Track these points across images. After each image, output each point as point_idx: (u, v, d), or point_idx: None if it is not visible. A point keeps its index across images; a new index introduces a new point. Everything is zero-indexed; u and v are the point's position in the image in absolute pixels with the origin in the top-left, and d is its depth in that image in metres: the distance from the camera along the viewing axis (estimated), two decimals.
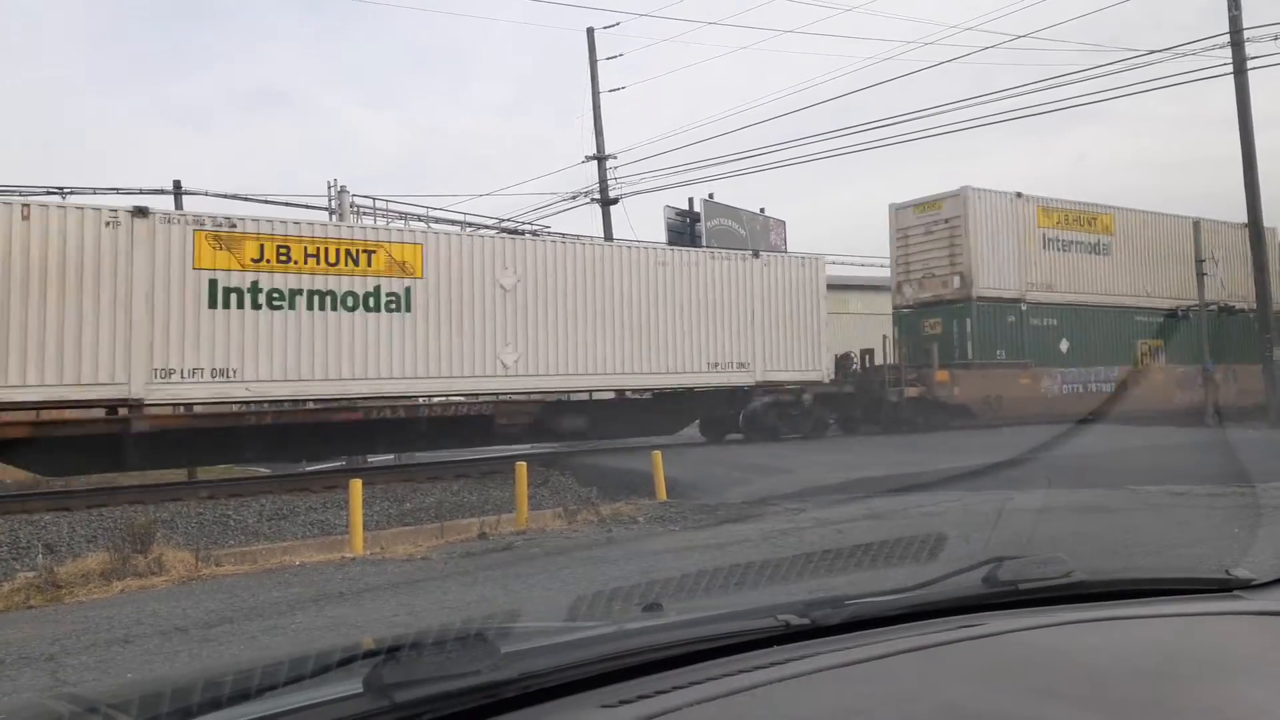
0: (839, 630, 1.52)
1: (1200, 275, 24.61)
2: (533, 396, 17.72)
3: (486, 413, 17.35)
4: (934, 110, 42.14)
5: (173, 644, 5.54)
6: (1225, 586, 1.85)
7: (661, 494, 12.26)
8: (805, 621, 1.50)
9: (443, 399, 17.11)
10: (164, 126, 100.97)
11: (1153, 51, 19.93)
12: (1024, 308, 23.18)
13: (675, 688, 1.26)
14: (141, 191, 21.54)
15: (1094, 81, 42.38)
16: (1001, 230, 23.15)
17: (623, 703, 1.22)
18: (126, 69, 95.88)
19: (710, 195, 26.71)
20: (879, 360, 22.04)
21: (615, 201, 27.14)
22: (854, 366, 22.23)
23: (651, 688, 1.26)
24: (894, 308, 24.43)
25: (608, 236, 26.00)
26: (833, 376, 20.97)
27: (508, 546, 8.71)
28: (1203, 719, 1.29)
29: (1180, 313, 24.91)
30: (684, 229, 25.37)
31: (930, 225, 23.49)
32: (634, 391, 19.35)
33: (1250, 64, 21.06)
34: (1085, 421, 18.89)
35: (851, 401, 21.47)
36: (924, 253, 23.58)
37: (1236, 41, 20.98)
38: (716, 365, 19.06)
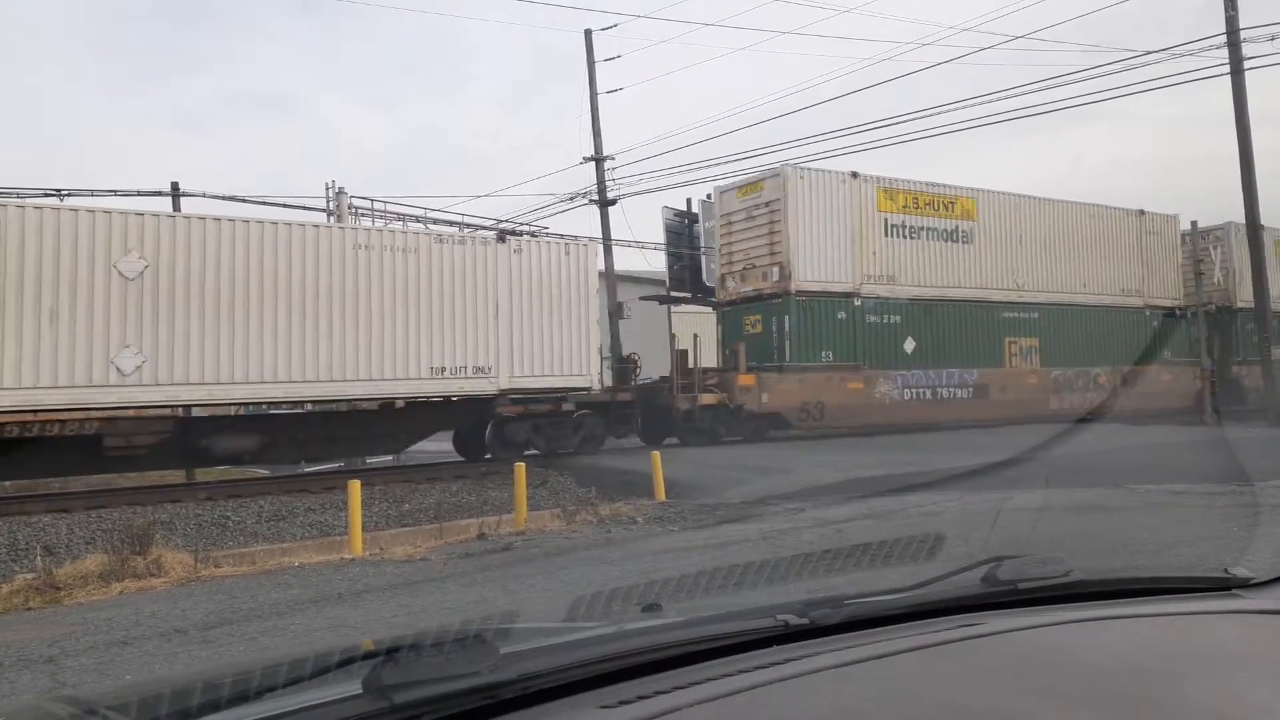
0: (838, 630, 1.52)
1: (1198, 274, 24.56)
2: (167, 411, 14.38)
3: (90, 432, 13.58)
4: (933, 110, 42.10)
5: (172, 645, 5.53)
6: (1224, 585, 1.85)
7: (660, 494, 12.26)
8: (804, 621, 1.50)
9: (21, 416, 13.15)
10: (163, 129, 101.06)
11: (1150, 52, 19.96)
12: (858, 303, 20.48)
13: (675, 688, 1.26)
14: (140, 193, 21.52)
15: (1092, 82, 42.29)
16: (832, 215, 20.46)
17: (622, 703, 1.22)
18: (126, 72, 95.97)
19: (709, 196, 26.73)
20: (692, 363, 19.47)
21: (614, 202, 27.11)
22: (637, 371, 19.97)
23: (651, 688, 1.26)
24: (716, 304, 21.95)
25: (606, 237, 25.98)
26: (608, 383, 18.57)
27: (507, 547, 8.71)
28: (1202, 718, 1.29)
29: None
30: (682, 229, 25.37)
31: (752, 210, 20.69)
32: (316, 403, 16.12)
33: (1247, 64, 21.09)
34: (1084, 420, 18.87)
35: (632, 411, 18.83)
36: (746, 241, 20.83)
37: (1233, 42, 21.01)
38: (443, 370, 16.08)
